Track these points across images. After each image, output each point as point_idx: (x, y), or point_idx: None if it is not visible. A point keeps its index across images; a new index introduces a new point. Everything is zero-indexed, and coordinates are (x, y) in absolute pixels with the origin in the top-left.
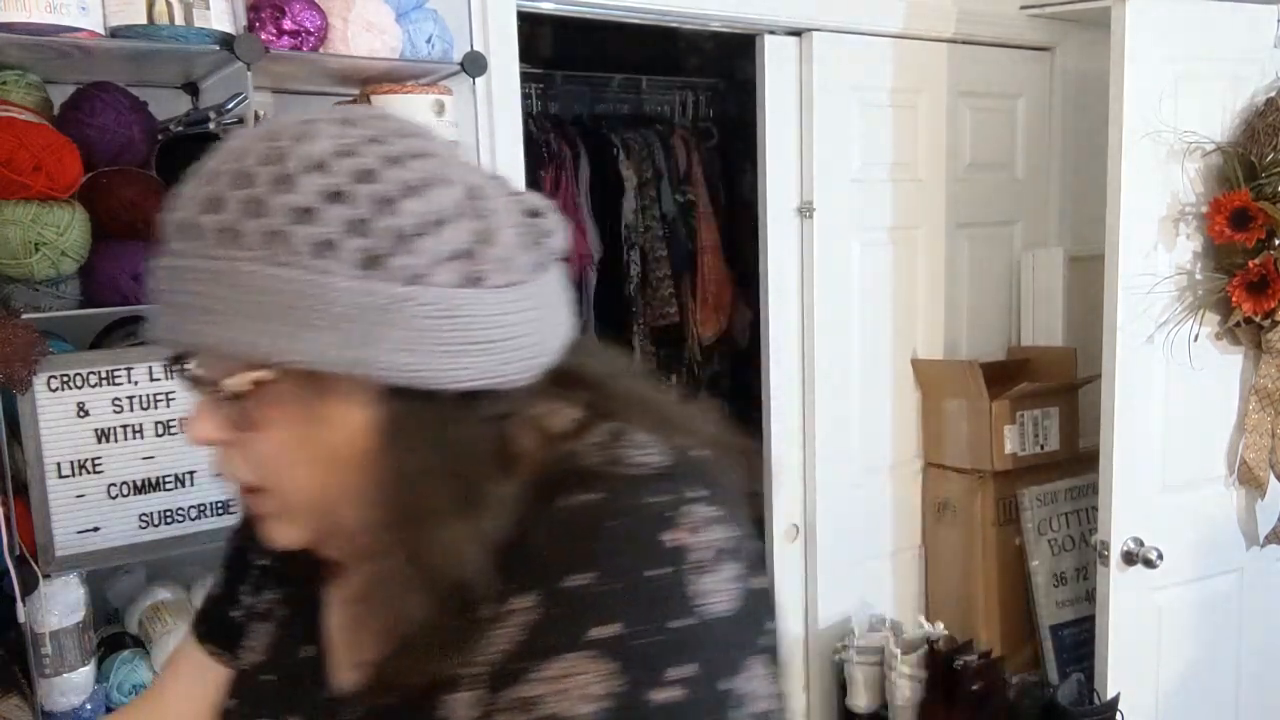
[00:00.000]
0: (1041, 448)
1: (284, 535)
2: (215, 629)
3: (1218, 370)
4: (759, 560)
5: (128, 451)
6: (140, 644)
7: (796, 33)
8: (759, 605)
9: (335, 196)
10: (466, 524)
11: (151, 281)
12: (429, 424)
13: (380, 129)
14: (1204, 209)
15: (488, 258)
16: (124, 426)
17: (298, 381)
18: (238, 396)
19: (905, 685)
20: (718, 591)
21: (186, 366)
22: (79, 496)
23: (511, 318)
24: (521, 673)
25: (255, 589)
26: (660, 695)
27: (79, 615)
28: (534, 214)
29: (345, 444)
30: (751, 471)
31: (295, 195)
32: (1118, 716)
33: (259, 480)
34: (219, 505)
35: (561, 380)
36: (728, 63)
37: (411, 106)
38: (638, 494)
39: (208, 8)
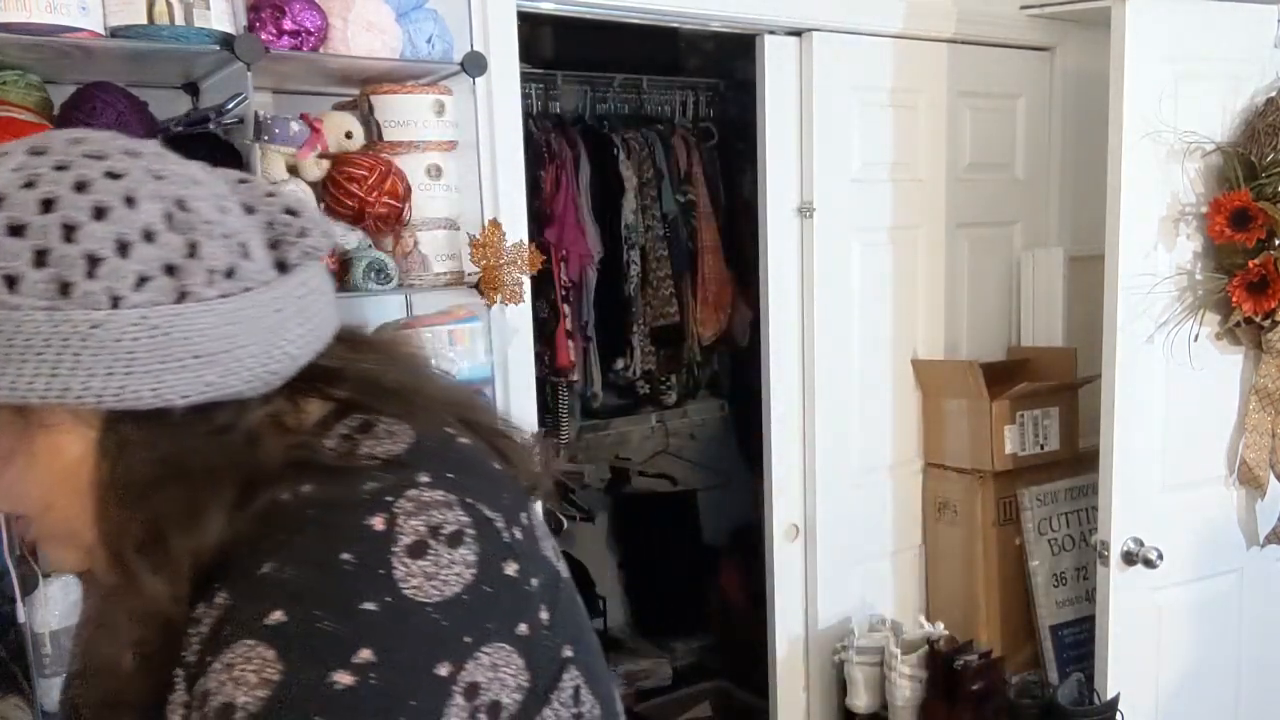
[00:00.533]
0: (1041, 448)
1: (59, 559)
2: None
3: (1218, 370)
4: (521, 548)
5: None
6: None
7: (796, 33)
8: (503, 591)
9: (15, 230)
10: (184, 538)
11: None
12: (151, 442)
13: (67, 155)
14: (1204, 209)
15: (194, 271)
16: None
17: (10, 414)
18: None
19: (905, 685)
20: (435, 576)
21: None
22: None
23: (233, 328)
24: (205, 666)
25: None
26: (332, 679)
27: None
28: (290, 212)
29: (75, 468)
30: (532, 461)
31: (14, 242)
32: (1118, 716)
33: (11, 509)
34: None
35: (319, 376)
36: (728, 63)
37: (411, 106)
38: (354, 482)
39: (208, 8)
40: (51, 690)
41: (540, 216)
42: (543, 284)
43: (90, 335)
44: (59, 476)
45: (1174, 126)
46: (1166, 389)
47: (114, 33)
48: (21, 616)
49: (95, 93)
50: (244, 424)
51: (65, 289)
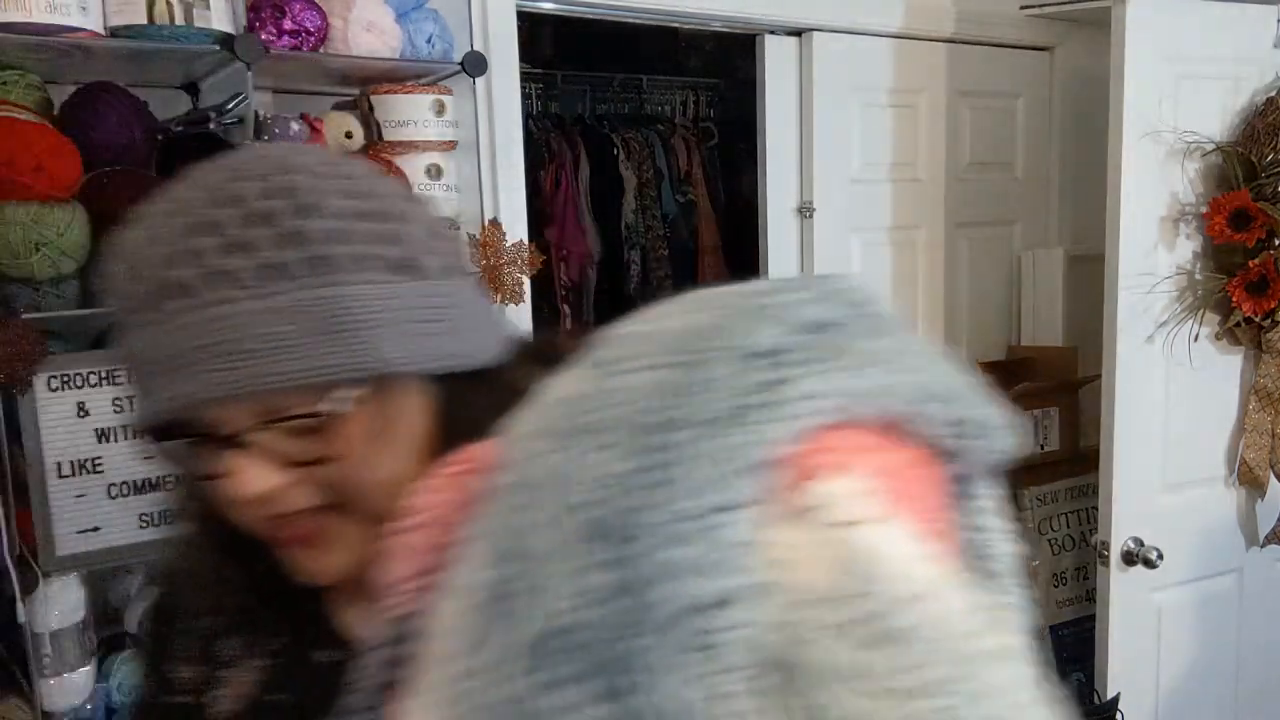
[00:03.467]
0: (1041, 448)
1: (338, 560)
2: None
3: (1218, 370)
4: None
5: (128, 451)
6: (140, 644)
7: (796, 33)
8: None
9: (361, 215)
10: None
11: (179, 344)
12: (469, 400)
13: (327, 158)
14: (1204, 209)
15: (458, 253)
16: (124, 426)
17: (368, 389)
18: (329, 418)
19: None
20: None
21: (227, 424)
22: (79, 496)
23: (479, 304)
24: None
25: (198, 653)
26: None
27: (79, 615)
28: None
29: (410, 432)
30: None
31: (324, 220)
32: (1118, 716)
33: (335, 496)
34: None
35: (536, 354)
36: (728, 63)
37: (411, 106)
38: None
39: (208, 8)
40: (51, 690)
41: (540, 216)
42: (543, 284)
43: (431, 305)
44: (398, 441)
45: (1174, 126)
46: (1166, 389)
47: (114, 33)
48: (21, 616)
49: (95, 93)
50: (510, 384)
51: (404, 265)
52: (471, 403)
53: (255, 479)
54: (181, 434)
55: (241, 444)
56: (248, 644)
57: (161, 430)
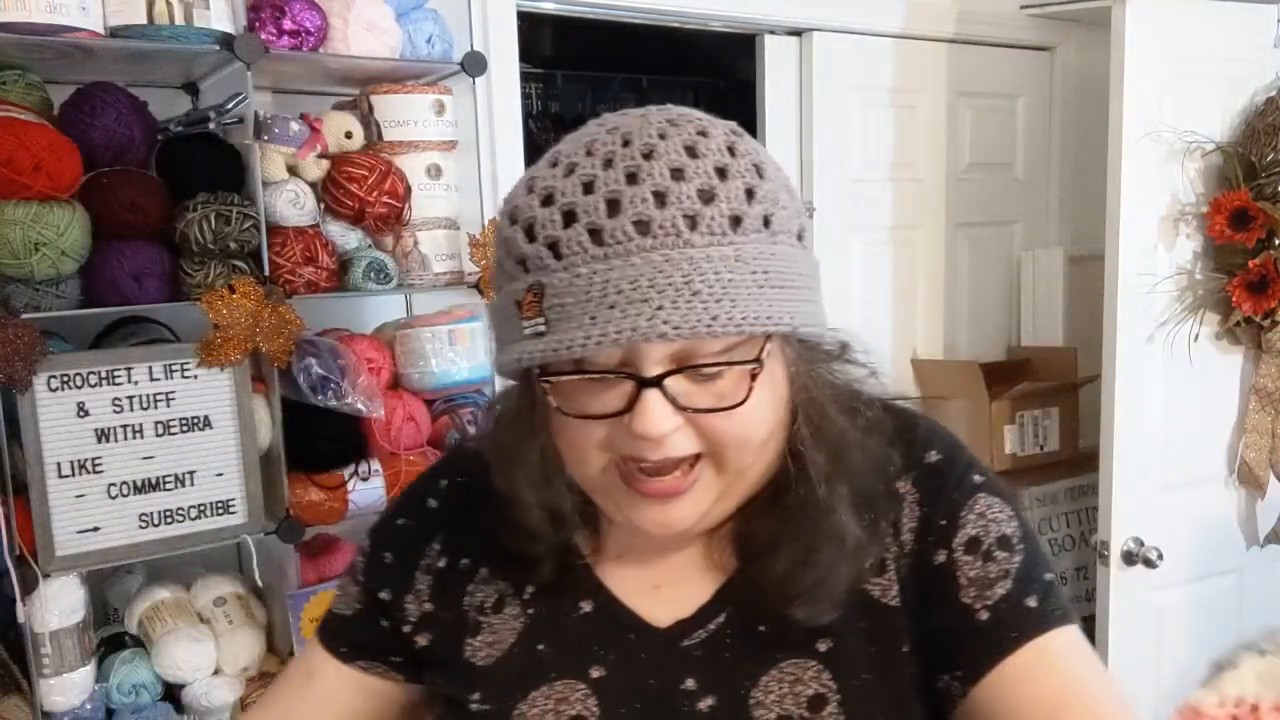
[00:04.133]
0: (1041, 448)
1: (695, 509)
2: (373, 645)
3: (1218, 370)
4: None
5: (128, 451)
6: (140, 644)
7: (796, 33)
8: None
9: (781, 184)
10: (867, 441)
11: (697, 276)
12: (818, 369)
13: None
14: (1204, 209)
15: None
16: (124, 426)
17: (775, 345)
18: (760, 364)
19: None
20: None
21: (696, 357)
22: (79, 496)
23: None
24: (946, 530)
25: (449, 592)
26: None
27: (79, 615)
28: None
29: (782, 396)
30: None
31: (768, 182)
32: None
33: (714, 447)
34: (219, 505)
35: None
36: (728, 63)
37: (411, 106)
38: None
39: (208, 8)
40: (51, 690)
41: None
42: None
43: (814, 268)
44: (777, 400)
45: (1174, 126)
46: (1166, 389)
47: (114, 33)
48: (21, 616)
49: (95, 93)
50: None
51: (802, 235)
52: (818, 370)
53: (663, 419)
54: (596, 370)
55: (656, 384)
56: (503, 590)
57: (575, 364)
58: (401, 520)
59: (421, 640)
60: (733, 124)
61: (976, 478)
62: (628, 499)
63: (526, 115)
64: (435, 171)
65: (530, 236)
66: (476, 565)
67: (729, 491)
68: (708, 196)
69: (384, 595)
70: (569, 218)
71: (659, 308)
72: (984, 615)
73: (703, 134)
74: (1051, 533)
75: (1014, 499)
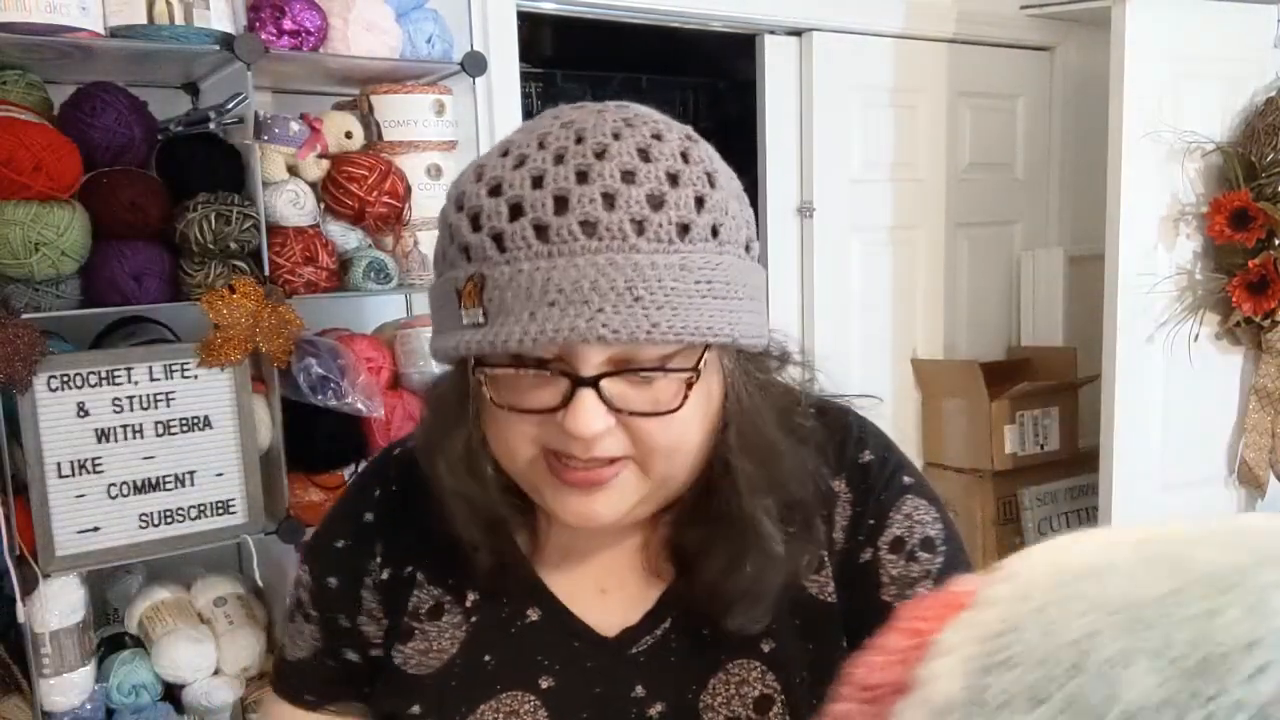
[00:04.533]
0: (1041, 447)
1: (617, 506)
2: (343, 680)
3: (1218, 370)
4: None
5: (128, 451)
6: (140, 644)
7: (796, 33)
8: None
9: (731, 193)
10: (798, 451)
11: (640, 283)
12: (753, 379)
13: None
14: (1204, 209)
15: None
16: (124, 426)
17: (709, 357)
18: (696, 373)
19: None
20: None
21: (631, 362)
22: (79, 496)
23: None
24: (873, 529)
25: (395, 602)
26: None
27: (79, 615)
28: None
29: (715, 407)
30: None
31: (718, 191)
32: None
33: (642, 451)
34: (219, 505)
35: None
36: (728, 63)
37: (411, 106)
38: (836, 411)
39: (208, 8)
40: (51, 690)
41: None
42: None
43: (761, 285)
44: (709, 411)
45: (1174, 126)
46: (1166, 389)
47: (114, 33)
48: (21, 616)
49: (95, 93)
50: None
51: (749, 246)
52: (755, 382)
53: (596, 418)
54: (532, 364)
55: (592, 384)
56: (444, 596)
57: (513, 358)
58: (340, 542)
59: (396, 659)
60: (688, 129)
61: (906, 479)
62: (552, 489)
63: (526, 115)
64: (435, 171)
65: (475, 226)
66: (415, 571)
67: (651, 496)
68: (657, 202)
69: (343, 622)
70: (515, 211)
71: (599, 310)
72: None
73: (657, 137)
74: (1051, 532)
75: (940, 502)
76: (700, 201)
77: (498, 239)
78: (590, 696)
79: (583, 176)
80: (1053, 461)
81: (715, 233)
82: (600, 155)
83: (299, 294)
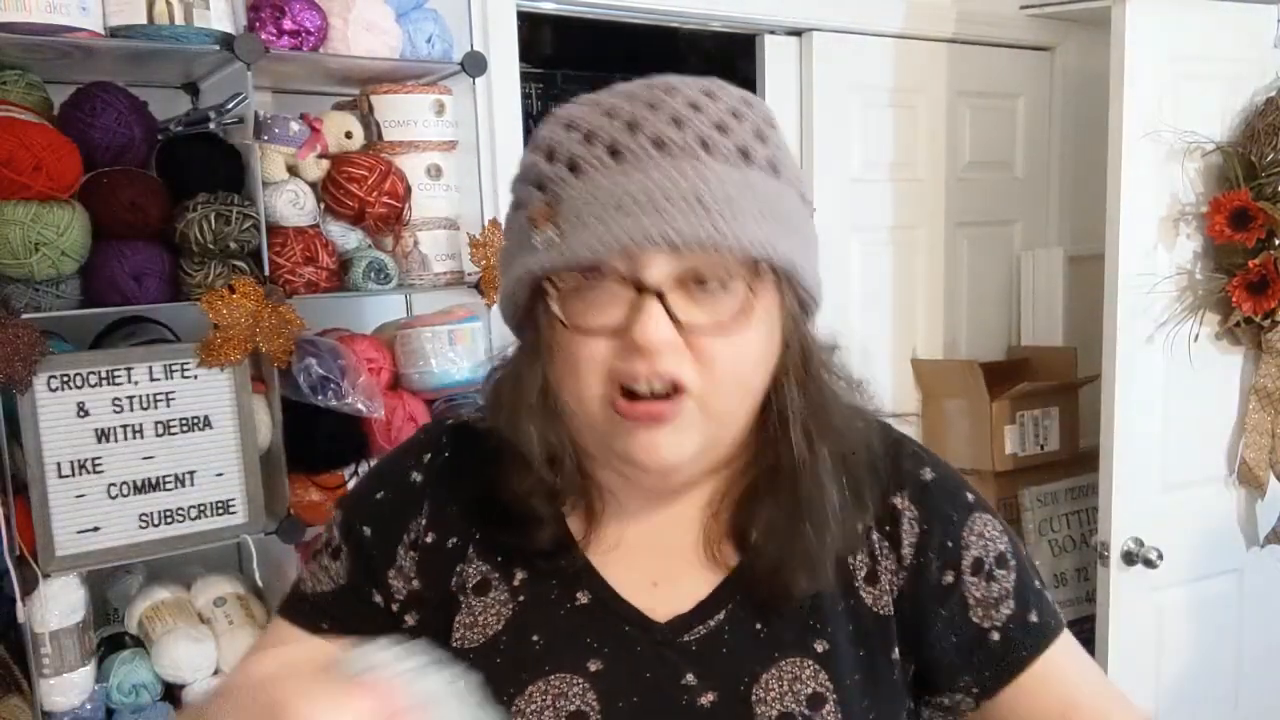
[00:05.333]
0: (1041, 448)
1: (681, 447)
2: (359, 622)
3: (1218, 370)
4: None
5: (128, 451)
6: (140, 644)
7: (796, 33)
8: None
9: (792, 157)
10: (854, 412)
11: (706, 192)
12: (812, 338)
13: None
14: (1204, 209)
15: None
16: (124, 426)
17: (772, 281)
18: (753, 286)
19: None
20: None
21: (692, 270)
22: (79, 496)
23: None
24: (947, 549)
25: (434, 570)
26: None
27: (79, 615)
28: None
29: (773, 347)
30: None
31: (777, 133)
32: None
33: (711, 378)
34: (219, 505)
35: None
36: (728, 63)
37: (411, 106)
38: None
39: (208, 8)
40: (51, 690)
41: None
42: None
43: (814, 232)
44: (771, 347)
45: (1174, 126)
46: (1166, 389)
47: (114, 33)
48: (21, 616)
49: (95, 93)
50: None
51: (800, 183)
52: (808, 339)
53: (662, 326)
54: (603, 276)
55: (658, 294)
56: (492, 573)
57: (584, 272)
58: (381, 494)
59: (409, 620)
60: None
61: (970, 496)
62: (619, 431)
63: (526, 115)
64: (435, 171)
65: (550, 158)
66: (464, 544)
67: (714, 438)
68: (722, 128)
69: (373, 568)
70: (589, 138)
71: (668, 214)
72: (995, 636)
73: (720, 88)
74: (1052, 533)
75: (995, 512)
76: (760, 136)
77: (572, 165)
78: (640, 681)
79: (652, 107)
80: (1053, 462)
81: (775, 168)
82: (668, 92)
83: (299, 294)
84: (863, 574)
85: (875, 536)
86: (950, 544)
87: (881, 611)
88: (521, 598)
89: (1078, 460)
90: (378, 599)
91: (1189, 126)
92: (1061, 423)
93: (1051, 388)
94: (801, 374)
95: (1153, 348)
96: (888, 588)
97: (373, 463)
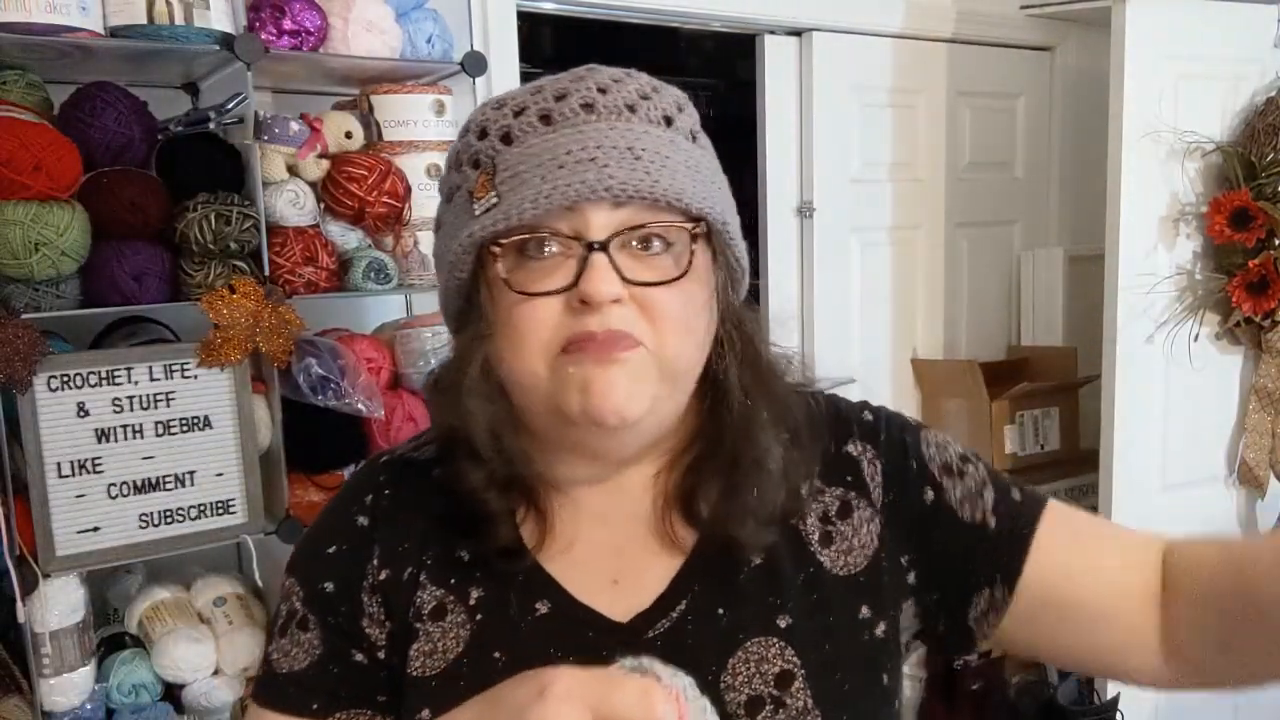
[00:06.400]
0: (1041, 448)
1: (637, 401)
2: (351, 687)
3: (1218, 370)
4: None
5: (128, 451)
6: (140, 644)
7: (796, 33)
8: None
9: (698, 122)
10: (788, 375)
11: (639, 145)
12: (745, 306)
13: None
14: (1204, 209)
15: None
16: (124, 426)
17: (705, 244)
18: (693, 240)
19: (905, 685)
20: None
21: (642, 224)
22: (79, 496)
23: None
24: (911, 468)
25: (397, 604)
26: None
27: (79, 615)
28: None
29: (712, 311)
30: None
31: (691, 112)
32: (1117, 716)
33: (659, 330)
34: (219, 505)
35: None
36: (728, 63)
37: (411, 106)
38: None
39: (208, 8)
40: (51, 690)
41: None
42: None
43: (733, 202)
44: (707, 300)
45: (1174, 126)
46: (1166, 389)
47: (114, 33)
48: (21, 616)
49: (95, 93)
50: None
51: (719, 170)
52: (741, 307)
53: (609, 279)
54: (546, 234)
55: (603, 248)
56: (447, 596)
57: (527, 228)
58: (333, 548)
59: (396, 661)
60: None
61: (910, 420)
62: (573, 380)
63: None
64: (435, 171)
65: (482, 135)
66: (417, 572)
67: (665, 397)
68: (644, 96)
69: (345, 625)
70: (519, 112)
71: (605, 166)
72: (992, 523)
73: (636, 73)
74: None
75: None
76: (679, 108)
77: (505, 135)
78: None
79: (576, 81)
80: (1053, 462)
81: (695, 137)
82: (589, 71)
83: (299, 294)
84: (816, 537)
85: (830, 496)
86: (915, 464)
87: (841, 572)
88: (479, 616)
89: (1078, 460)
90: (359, 657)
91: (1189, 126)
92: (1061, 423)
93: (1051, 388)
94: (735, 339)
95: (1153, 348)
96: (860, 543)
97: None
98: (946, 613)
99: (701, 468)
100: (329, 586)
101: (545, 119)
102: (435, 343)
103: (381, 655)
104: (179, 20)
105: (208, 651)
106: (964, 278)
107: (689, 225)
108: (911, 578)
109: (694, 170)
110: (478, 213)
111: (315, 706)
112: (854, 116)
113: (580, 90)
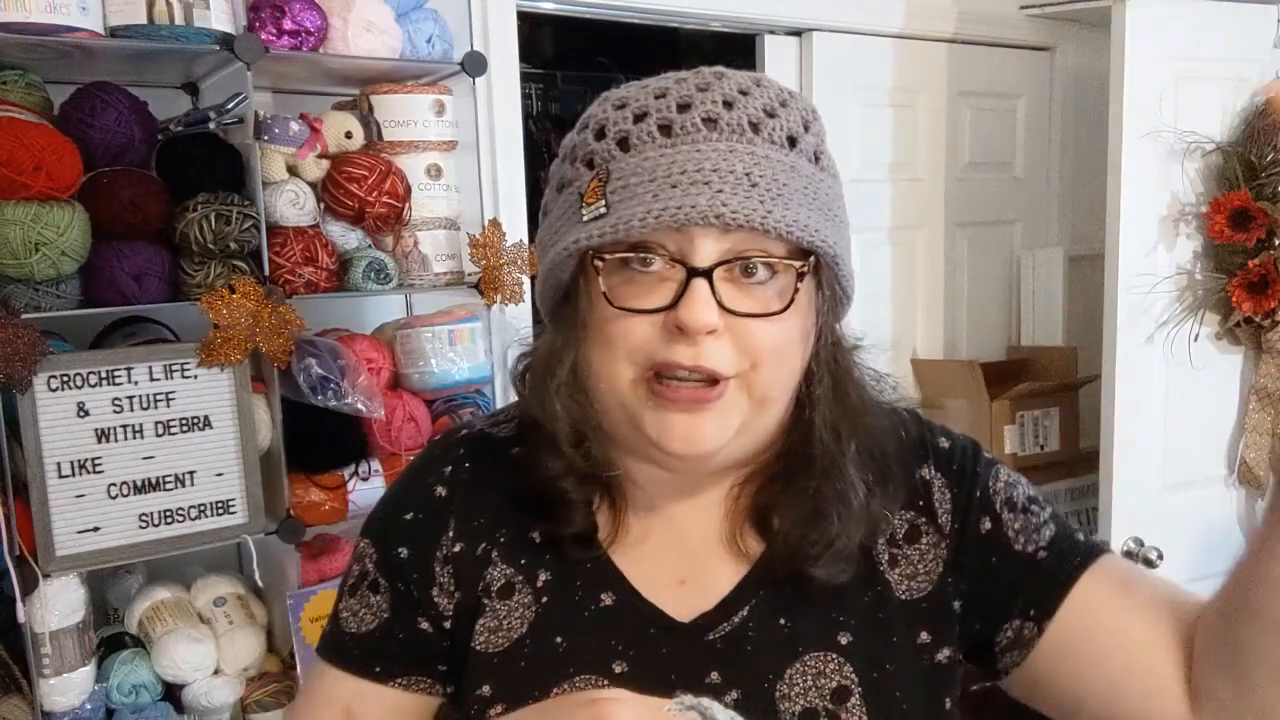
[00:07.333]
0: (1041, 448)
1: (721, 432)
2: (412, 654)
3: (1218, 370)
4: None
5: (128, 451)
6: (140, 644)
7: (796, 33)
8: None
9: (824, 139)
10: (880, 409)
11: (756, 171)
12: (842, 333)
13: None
14: (1204, 209)
15: None
16: (124, 426)
17: (815, 269)
18: (799, 278)
19: None
20: None
21: (746, 253)
22: (79, 496)
23: None
24: (976, 501)
25: (467, 578)
26: None
27: (79, 615)
28: None
29: (809, 338)
30: None
31: (819, 125)
32: None
33: (753, 362)
34: (219, 505)
35: None
36: (728, 63)
37: (411, 106)
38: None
39: (208, 8)
40: (51, 690)
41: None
42: None
43: (848, 230)
44: (805, 340)
45: (1174, 126)
46: (1166, 389)
47: (114, 33)
48: (21, 616)
49: (95, 93)
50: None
51: (841, 189)
52: (840, 335)
53: (708, 309)
54: (650, 252)
55: (706, 275)
56: (516, 576)
57: (631, 248)
58: (410, 515)
59: (460, 634)
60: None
61: (986, 454)
62: (654, 415)
63: (526, 115)
64: (435, 171)
65: (600, 135)
66: (490, 549)
67: (751, 424)
68: (771, 113)
69: (415, 593)
70: (640, 117)
71: (719, 191)
72: (1042, 555)
73: (767, 80)
74: None
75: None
76: (806, 125)
77: (622, 141)
78: (664, 682)
79: (703, 90)
80: (1053, 462)
81: (818, 158)
82: (718, 78)
83: (299, 294)
84: (886, 559)
85: (899, 520)
86: (980, 495)
87: (906, 596)
88: (545, 599)
89: (1078, 460)
90: (424, 625)
91: (1189, 126)
92: (1061, 423)
93: (1051, 388)
94: (832, 365)
95: (1153, 348)
96: (925, 568)
97: (384, 487)
98: (979, 641)
99: (782, 489)
100: (403, 552)
101: (665, 129)
102: (435, 343)
103: (447, 625)
104: (179, 20)
105: (208, 651)
106: (964, 278)
107: (797, 263)
108: (957, 605)
109: (810, 198)
110: (585, 219)
111: (378, 669)
112: (854, 116)
113: (705, 102)
